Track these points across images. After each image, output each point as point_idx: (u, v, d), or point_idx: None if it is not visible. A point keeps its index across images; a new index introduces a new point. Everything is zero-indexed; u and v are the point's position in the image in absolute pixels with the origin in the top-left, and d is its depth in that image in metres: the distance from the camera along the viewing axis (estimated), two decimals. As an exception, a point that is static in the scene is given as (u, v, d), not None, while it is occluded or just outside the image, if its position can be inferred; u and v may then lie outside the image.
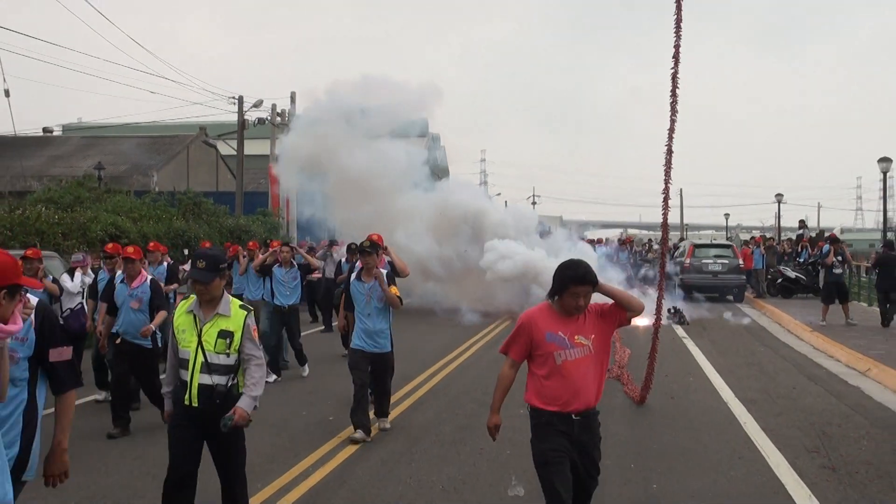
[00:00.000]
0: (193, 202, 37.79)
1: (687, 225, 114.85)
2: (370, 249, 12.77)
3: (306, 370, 18.53)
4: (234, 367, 7.61)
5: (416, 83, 39.25)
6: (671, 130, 15.23)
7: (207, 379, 7.49)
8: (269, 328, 18.33)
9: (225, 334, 7.53)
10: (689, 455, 11.91)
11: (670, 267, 39.32)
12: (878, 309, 28.17)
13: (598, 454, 7.44)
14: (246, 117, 44.12)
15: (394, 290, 12.86)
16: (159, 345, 13.54)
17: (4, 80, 23.48)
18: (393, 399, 15.30)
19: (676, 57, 14.98)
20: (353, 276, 13.12)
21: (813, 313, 29.27)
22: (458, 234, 34.46)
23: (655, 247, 48.74)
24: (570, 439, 7.02)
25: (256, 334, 7.77)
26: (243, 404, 7.49)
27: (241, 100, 43.69)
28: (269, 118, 45.07)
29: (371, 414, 13.04)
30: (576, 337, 7.00)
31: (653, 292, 24.33)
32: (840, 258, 28.75)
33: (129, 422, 13.12)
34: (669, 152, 15.31)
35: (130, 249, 13.66)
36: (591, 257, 33.30)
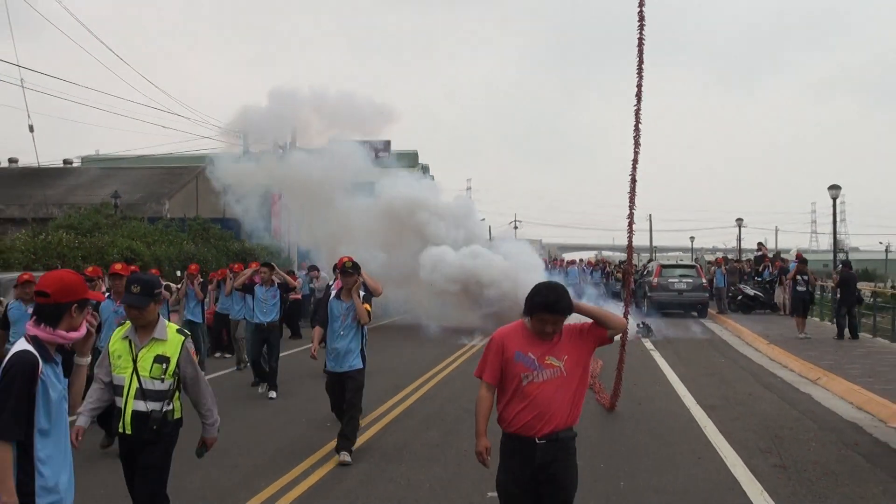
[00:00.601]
0: (202, 227, 37.92)
1: (655, 247, 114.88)
2: (352, 270, 11.99)
3: (274, 395, 17.29)
4: (170, 392, 6.92)
5: (373, 103, 38.70)
6: (634, 162, 15.35)
7: (142, 405, 6.83)
8: (251, 345, 17.91)
9: (161, 359, 6.89)
10: (653, 456, 12.00)
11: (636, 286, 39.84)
12: (829, 323, 28.38)
13: (570, 481, 6.46)
14: (250, 150, 44.15)
15: (367, 307, 12.11)
16: None
17: (29, 116, 23.59)
18: (383, 408, 15.49)
19: (639, 95, 15.10)
20: (333, 295, 12.23)
21: (770, 327, 29.46)
22: (404, 234, 33.62)
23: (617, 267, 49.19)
24: (533, 466, 6.20)
25: (195, 357, 7.19)
26: (207, 433, 7.15)
27: (245, 135, 43.80)
28: (271, 149, 45.13)
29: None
30: (546, 358, 6.20)
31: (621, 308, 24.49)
32: (805, 277, 29.01)
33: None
34: (633, 181, 15.45)
35: (118, 266, 12.93)
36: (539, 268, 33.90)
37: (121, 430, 6.89)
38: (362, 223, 33.48)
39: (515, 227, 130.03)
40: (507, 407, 6.30)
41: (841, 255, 43.80)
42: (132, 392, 6.85)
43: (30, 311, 11.98)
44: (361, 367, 12.02)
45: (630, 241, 16.46)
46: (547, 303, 6.12)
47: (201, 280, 20.68)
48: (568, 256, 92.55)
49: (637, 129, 15.22)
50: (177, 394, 7.01)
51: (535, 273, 29.85)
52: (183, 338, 7.05)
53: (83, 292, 5.41)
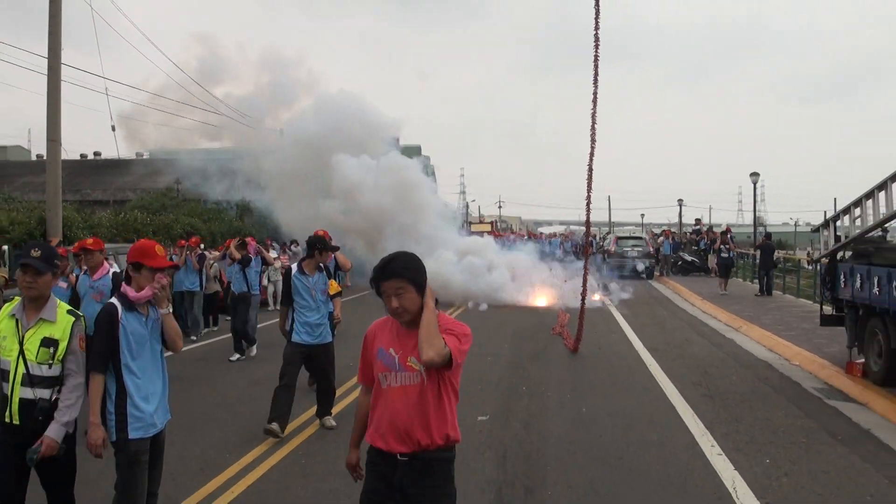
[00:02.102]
0: (247, 207, 37.95)
1: (614, 222, 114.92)
2: (332, 247, 10.59)
3: (253, 350, 15.64)
4: (60, 379, 5.36)
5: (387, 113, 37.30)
6: (591, 154, 15.58)
7: (29, 393, 5.31)
8: (235, 314, 15.60)
9: (49, 342, 5.32)
10: (608, 388, 12.25)
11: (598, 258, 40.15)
12: (750, 283, 28.81)
13: None
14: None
15: (334, 283, 10.39)
16: None
17: (111, 118, 23.78)
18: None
19: (594, 101, 15.31)
20: (295, 270, 10.05)
21: (704, 287, 29.71)
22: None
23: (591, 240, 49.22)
24: (393, 486, 4.29)
25: (82, 345, 5.46)
26: (52, 433, 5.23)
27: (281, 131, 43.74)
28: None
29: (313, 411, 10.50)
30: (409, 358, 4.30)
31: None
32: (727, 246, 29.52)
33: None
34: (590, 170, 15.68)
35: (90, 241, 10.62)
36: (486, 245, 31.66)
37: (7, 419, 5.33)
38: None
39: (500, 207, 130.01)
40: (371, 414, 4.45)
41: (761, 229, 43.96)
42: (18, 378, 5.35)
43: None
44: (331, 339, 10.15)
45: (588, 219, 16.67)
46: (378, 267, 4.42)
47: (199, 252, 19.07)
48: (546, 230, 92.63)
49: (593, 129, 15.42)
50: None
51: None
52: (73, 319, 5.45)
53: (140, 257, 5.56)
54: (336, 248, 10.63)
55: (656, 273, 39.37)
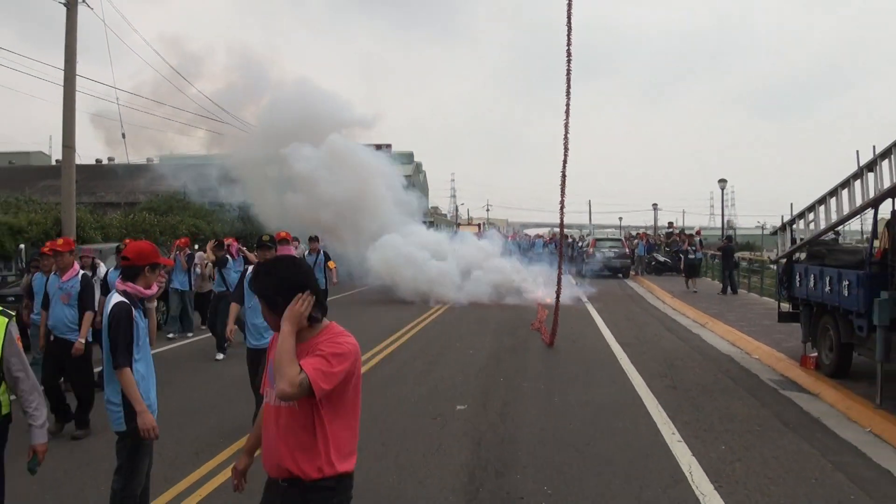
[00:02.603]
0: (249, 208, 37.69)
1: (594, 224, 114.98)
2: (269, 244, 9.25)
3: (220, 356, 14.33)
4: None
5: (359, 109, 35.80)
6: (564, 161, 15.60)
7: None
8: (216, 313, 15.09)
9: None
10: (580, 379, 12.27)
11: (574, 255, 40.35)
12: (718, 283, 28.92)
13: None
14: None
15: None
16: (90, 340, 9.57)
17: (122, 126, 23.76)
18: (382, 343, 15.77)
19: (567, 111, 15.32)
20: (250, 271, 8.94)
21: (675, 286, 29.76)
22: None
23: (569, 241, 49.26)
24: None
25: (20, 344, 4.86)
26: (38, 439, 4.80)
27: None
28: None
29: None
30: None
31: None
32: (693, 248, 29.72)
33: (69, 413, 9.30)
34: (563, 176, 15.72)
35: (60, 242, 9.78)
36: (471, 242, 31.43)
37: None
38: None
39: (487, 210, 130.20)
40: None
41: (729, 232, 44.17)
42: None
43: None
44: None
45: (561, 221, 16.75)
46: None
47: (188, 252, 18.10)
48: (531, 232, 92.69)
49: (566, 138, 15.47)
50: (2, 385, 4.81)
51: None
52: (6, 320, 4.78)
53: (154, 258, 5.61)
54: (269, 247, 9.09)
55: (631, 272, 39.41)
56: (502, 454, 8.10)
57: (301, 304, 3.49)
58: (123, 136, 24.44)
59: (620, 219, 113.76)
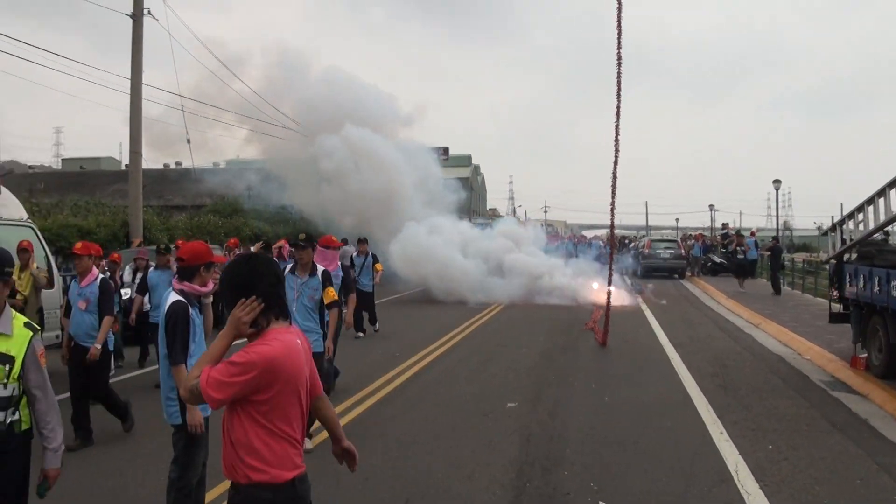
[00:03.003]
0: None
1: (650, 226, 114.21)
2: (304, 244, 8.75)
3: None
4: (15, 399, 4.34)
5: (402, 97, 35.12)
6: (615, 163, 15.67)
7: None
8: None
9: (4, 359, 4.28)
10: (631, 378, 12.30)
11: (630, 256, 40.09)
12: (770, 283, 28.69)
13: None
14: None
15: (330, 291, 8.75)
16: (110, 347, 9.26)
17: (187, 132, 24.28)
18: (436, 343, 15.91)
19: (618, 114, 15.38)
20: (288, 269, 8.83)
21: (730, 286, 29.45)
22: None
23: (625, 242, 49.11)
24: None
25: (44, 360, 4.49)
26: (51, 463, 4.41)
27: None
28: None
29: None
30: None
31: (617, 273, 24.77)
32: (742, 248, 29.62)
33: (90, 433, 8.77)
34: (614, 177, 15.73)
35: (79, 245, 9.12)
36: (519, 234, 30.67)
37: None
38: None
39: (545, 211, 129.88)
40: None
41: (787, 233, 43.70)
42: None
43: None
44: (320, 349, 8.48)
45: (612, 223, 16.97)
46: None
47: (238, 253, 18.24)
48: (589, 234, 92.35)
49: (617, 140, 15.47)
50: (24, 399, 4.41)
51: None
52: (31, 333, 4.43)
53: (210, 257, 5.81)
54: (303, 247, 8.69)
55: (687, 273, 39.11)
56: (550, 451, 8.18)
57: (242, 311, 3.36)
58: (188, 141, 24.96)
59: (677, 220, 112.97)
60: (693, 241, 44.32)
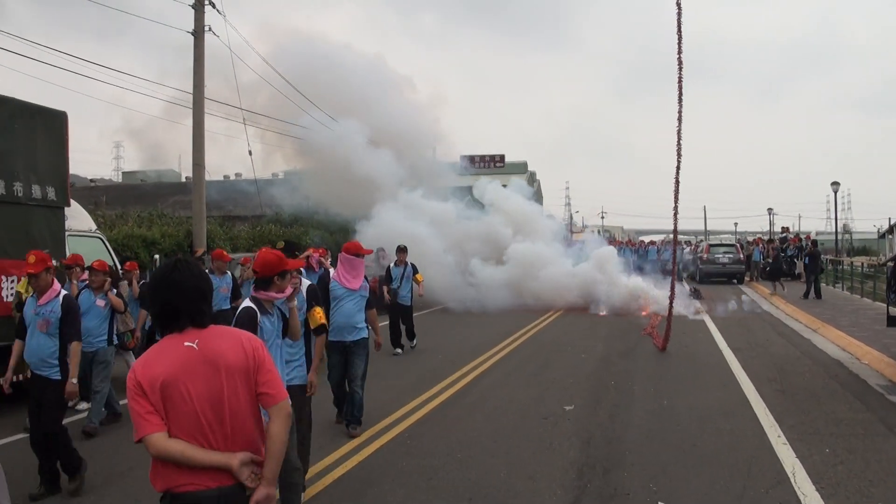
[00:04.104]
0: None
1: (709, 231, 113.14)
2: (285, 251, 6.99)
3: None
4: None
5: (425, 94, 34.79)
6: (678, 168, 15.65)
7: None
8: None
9: None
10: (690, 383, 12.40)
11: (687, 260, 39.77)
12: (832, 287, 28.34)
13: None
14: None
15: (317, 312, 7.26)
16: (72, 379, 7.57)
17: (248, 144, 24.75)
18: (493, 349, 16.14)
19: (679, 118, 15.34)
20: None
21: (789, 291, 29.21)
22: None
23: (685, 247, 48.70)
24: None
25: None
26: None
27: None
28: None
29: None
30: None
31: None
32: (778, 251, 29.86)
33: (57, 476, 7.46)
34: (677, 182, 15.79)
35: (31, 259, 7.63)
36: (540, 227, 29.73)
37: None
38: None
39: (602, 217, 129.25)
40: None
41: (847, 236, 43.12)
42: None
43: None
44: (302, 384, 7.02)
45: (675, 229, 16.90)
46: None
47: None
48: (647, 239, 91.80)
49: (679, 145, 15.48)
50: None
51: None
52: None
53: (282, 266, 5.95)
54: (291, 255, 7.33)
55: (746, 278, 38.82)
56: (610, 453, 8.37)
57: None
58: (250, 153, 25.47)
59: (736, 224, 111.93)
60: (753, 245, 43.97)
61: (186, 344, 3.41)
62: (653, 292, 24.53)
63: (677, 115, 15.36)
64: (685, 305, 23.18)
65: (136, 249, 22.36)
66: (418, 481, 7.46)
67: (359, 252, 9.41)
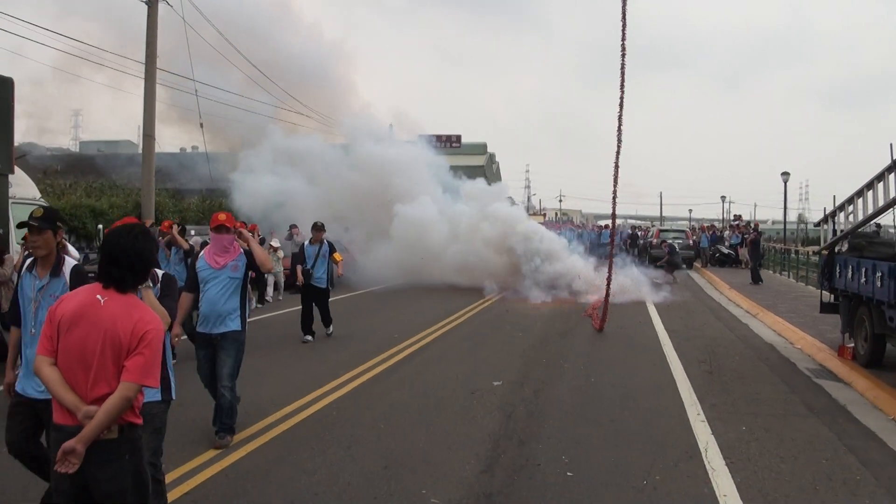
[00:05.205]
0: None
1: (665, 217, 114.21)
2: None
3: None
4: None
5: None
6: (617, 153, 15.92)
7: None
8: None
9: None
10: (620, 363, 12.55)
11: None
12: (778, 275, 28.63)
13: None
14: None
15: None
16: None
17: (200, 116, 24.52)
18: (435, 325, 16.25)
19: (621, 105, 15.54)
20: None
21: (736, 277, 29.59)
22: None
23: (636, 232, 49.01)
24: None
25: None
26: None
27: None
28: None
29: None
30: None
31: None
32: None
33: None
34: (616, 167, 16.05)
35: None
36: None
37: None
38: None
39: (560, 200, 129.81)
40: None
41: (801, 227, 43.72)
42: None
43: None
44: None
45: (613, 213, 17.27)
46: None
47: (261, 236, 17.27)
48: (603, 223, 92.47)
49: (619, 131, 15.67)
50: None
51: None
52: None
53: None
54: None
55: (696, 264, 39.24)
56: (529, 426, 8.48)
57: None
58: (202, 125, 25.26)
59: (690, 210, 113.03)
60: (701, 232, 44.44)
61: (97, 296, 3.84)
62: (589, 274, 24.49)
63: (619, 101, 15.54)
64: (628, 289, 23.10)
65: (84, 219, 22.14)
66: (337, 450, 7.52)
67: (219, 226, 8.01)
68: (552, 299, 22.42)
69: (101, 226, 20.51)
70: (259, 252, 8.05)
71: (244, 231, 8.10)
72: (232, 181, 27.87)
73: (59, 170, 41.71)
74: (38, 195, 16.03)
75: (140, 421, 3.88)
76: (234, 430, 7.88)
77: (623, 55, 15.39)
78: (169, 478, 6.48)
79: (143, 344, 3.75)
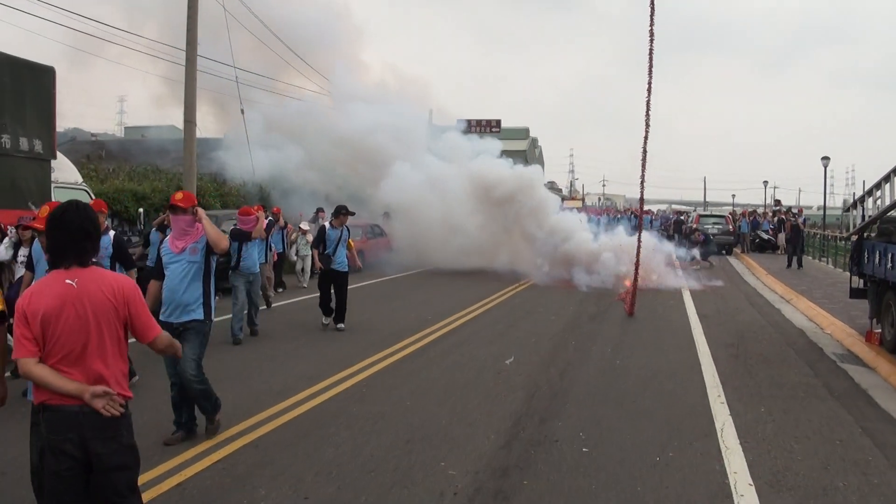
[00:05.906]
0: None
1: (708, 202, 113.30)
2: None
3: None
4: None
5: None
6: (646, 137, 16.10)
7: None
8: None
9: None
10: (648, 346, 12.74)
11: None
12: (817, 262, 28.44)
13: None
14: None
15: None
16: None
17: (241, 102, 24.97)
18: (469, 308, 16.53)
19: (649, 89, 15.77)
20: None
21: (773, 263, 29.50)
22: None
23: (682, 217, 48.79)
24: None
25: None
26: None
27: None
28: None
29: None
30: None
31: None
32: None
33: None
34: (644, 152, 16.22)
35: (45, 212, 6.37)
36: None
37: None
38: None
39: (604, 185, 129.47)
40: None
41: (846, 214, 43.33)
42: None
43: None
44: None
45: (641, 197, 17.36)
46: None
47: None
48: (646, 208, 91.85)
49: (647, 115, 15.86)
50: None
51: None
52: None
53: None
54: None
55: (736, 249, 39.12)
56: (551, 406, 8.74)
57: None
58: (242, 111, 25.68)
59: (734, 196, 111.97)
60: (742, 217, 44.21)
61: (67, 282, 3.97)
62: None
63: (647, 85, 15.69)
64: (663, 274, 23.02)
65: (126, 203, 22.63)
66: (364, 424, 7.85)
67: (173, 206, 7.59)
68: (586, 285, 22.08)
69: (142, 209, 21.00)
70: (211, 230, 7.41)
71: (199, 209, 7.52)
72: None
73: (103, 155, 42.50)
74: (80, 179, 16.53)
75: (131, 395, 4.16)
76: (214, 421, 7.61)
77: (651, 40, 15.52)
78: (198, 450, 6.91)
79: (132, 304, 4.10)
